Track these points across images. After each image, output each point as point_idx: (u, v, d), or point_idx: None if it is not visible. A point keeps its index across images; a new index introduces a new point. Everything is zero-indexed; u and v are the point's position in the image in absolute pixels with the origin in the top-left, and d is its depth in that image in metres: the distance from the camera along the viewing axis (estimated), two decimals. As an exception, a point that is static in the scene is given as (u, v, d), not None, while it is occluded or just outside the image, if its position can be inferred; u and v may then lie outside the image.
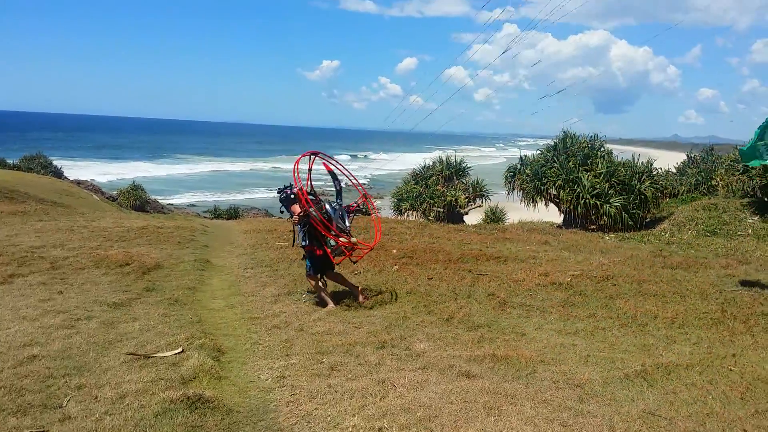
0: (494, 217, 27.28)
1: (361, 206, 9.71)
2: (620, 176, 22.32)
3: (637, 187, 21.79)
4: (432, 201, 26.56)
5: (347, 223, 8.88)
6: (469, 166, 29.89)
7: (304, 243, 8.77)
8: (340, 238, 8.58)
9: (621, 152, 28.53)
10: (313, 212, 8.37)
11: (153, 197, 40.36)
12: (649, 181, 22.35)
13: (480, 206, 28.36)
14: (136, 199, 36.07)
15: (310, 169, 8.98)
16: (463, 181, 28.62)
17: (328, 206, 8.75)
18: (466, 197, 27.46)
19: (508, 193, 26.25)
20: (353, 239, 8.83)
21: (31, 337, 6.78)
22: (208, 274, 11.29)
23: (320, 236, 8.62)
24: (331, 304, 8.90)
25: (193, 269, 11.30)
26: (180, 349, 6.52)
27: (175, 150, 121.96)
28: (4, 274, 9.84)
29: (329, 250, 8.72)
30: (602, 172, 22.52)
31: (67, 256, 11.59)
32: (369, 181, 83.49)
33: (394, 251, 12.97)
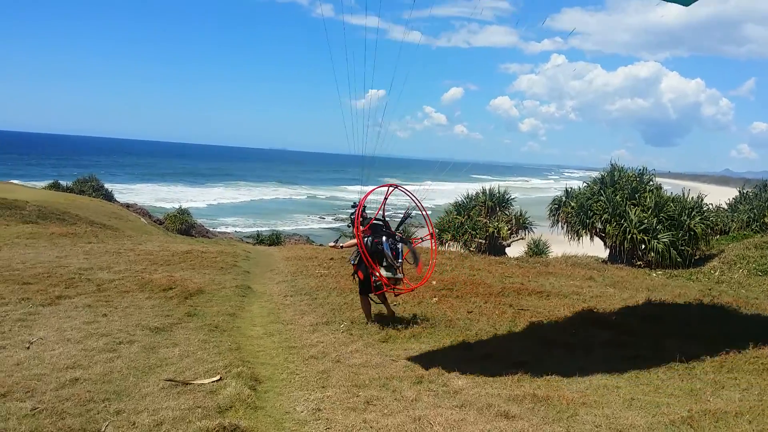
0: (537, 250, 26.86)
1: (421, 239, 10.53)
2: (669, 211, 21.79)
3: (687, 222, 21.22)
4: (474, 232, 26.35)
5: (400, 259, 9.28)
6: (512, 197, 29.63)
7: (353, 262, 9.56)
8: (384, 275, 9.06)
9: (670, 186, 27.91)
10: (366, 243, 9.03)
11: (199, 221, 41.14)
12: (699, 217, 21.75)
13: (523, 238, 27.98)
14: (182, 223, 36.82)
15: (385, 199, 9.45)
16: (506, 212, 28.33)
17: (384, 239, 9.17)
18: (509, 229, 27.15)
19: (552, 226, 25.86)
20: (399, 275, 9.27)
21: (74, 359, 6.91)
22: (248, 300, 11.38)
23: (368, 264, 9.03)
24: (368, 321, 9.61)
25: (234, 295, 11.42)
26: (218, 377, 6.55)
27: (236, 176, 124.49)
28: (52, 296, 10.10)
29: (372, 279, 9.17)
30: (650, 207, 22.04)
31: (113, 279, 11.85)
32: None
33: (434, 282, 12.87)
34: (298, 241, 37.80)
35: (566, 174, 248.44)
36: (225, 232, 44.29)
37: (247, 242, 31.49)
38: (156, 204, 59.69)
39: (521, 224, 27.73)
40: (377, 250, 9.15)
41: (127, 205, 40.70)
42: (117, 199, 43.54)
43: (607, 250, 23.63)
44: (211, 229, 42.51)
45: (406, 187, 9.38)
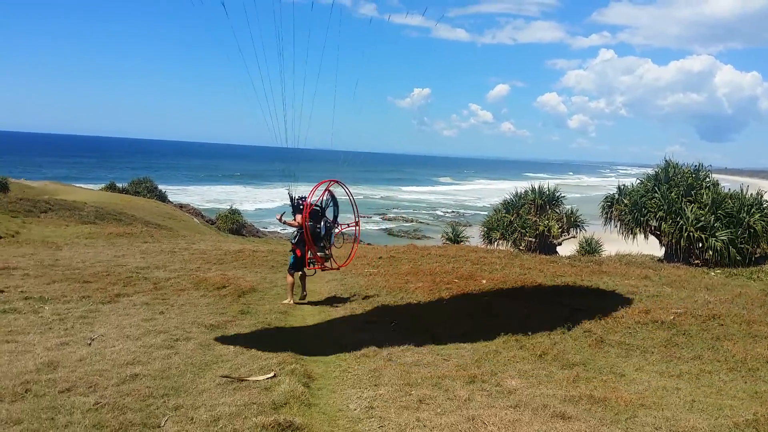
0: (589, 248, 26.29)
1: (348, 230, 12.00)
2: (727, 208, 21.03)
3: (746, 220, 20.44)
4: (523, 231, 25.99)
5: (331, 242, 11.10)
6: (563, 195, 29.08)
7: (293, 241, 11.08)
8: (318, 254, 10.70)
9: (728, 183, 26.98)
10: (308, 226, 10.51)
11: (249, 221, 41.82)
12: (759, 214, 20.90)
13: (574, 237, 27.42)
14: (233, 222, 37.48)
15: (326, 191, 11.08)
16: (557, 210, 27.82)
17: (322, 224, 10.83)
18: (560, 227, 26.65)
19: (605, 224, 25.27)
20: (329, 254, 11.06)
21: (133, 356, 7.11)
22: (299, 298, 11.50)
23: (307, 244, 10.59)
24: (289, 300, 10.94)
25: (285, 293, 11.54)
26: (272, 374, 6.63)
27: (297, 178, 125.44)
28: (111, 294, 10.42)
29: (308, 257, 10.77)
30: (707, 204, 21.31)
31: (168, 278, 12.14)
32: (457, 209, 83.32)
33: (484, 281, 12.75)
34: (346, 240, 37.99)
35: (621, 171, 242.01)
36: (275, 231, 44.92)
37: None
38: (220, 205, 60.82)
39: (572, 222, 27.19)
40: (315, 233, 10.69)
41: (180, 205, 41.67)
42: (171, 200, 44.63)
43: (663, 249, 22.96)
44: (261, 229, 43.14)
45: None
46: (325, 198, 11.09)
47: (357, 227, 11.74)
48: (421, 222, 68.74)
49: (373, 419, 5.70)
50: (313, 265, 10.98)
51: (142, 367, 6.71)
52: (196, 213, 41.00)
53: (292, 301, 10.98)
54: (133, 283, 11.49)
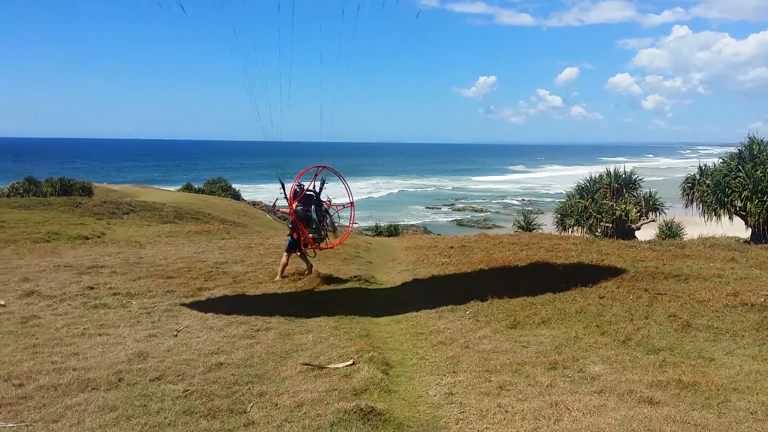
0: (670, 232, 25.32)
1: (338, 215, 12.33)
2: (819, 185, 19.83)
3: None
4: (599, 216, 25.28)
5: (325, 224, 11.74)
6: (640, 177, 28.07)
7: (290, 226, 11.74)
8: (310, 235, 11.33)
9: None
10: (295, 210, 11.28)
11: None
12: None
13: (653, 221, 26.45)
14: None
15: (315, 176, 11.80)
16: (634, 194, 26.89)
17: (313, 207, 11.48)
18: (638, 211, 25.76)
19: (686, 206, 24.26)
20: (323, 236, 11.69)
21: (217, 345, 7.34)
22: (373, 289, 11.58)
23: (298, 227, 11.27)
24: (278, 277, 11.70)
25: (359, 284, 11.66)
26: (351, 362, 6.71)
27: (366, 172, 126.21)
28: (194, 288, 10.78)
29: (302, 239, 11.37)
30: (797, 181, 20.16)
31: (246, 271, 12.47)
32: (528, 196, 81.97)
33: (560, 269, 12.48)
34: (415, 232, 38.08)
35: (702, 151, 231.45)
36: (343, 225, 45.41)
37: (366, 234, 32.08)
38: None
39: (651, 206, 26.23)
40: (307, 217, 11.34)
41: (253, 203, 42.69)
42: (244, 198, 45.79)
43: (749, 230, 21.89)
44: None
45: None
46: (316, 183, 11.79)
47: (351, 208, 12.37)
48: (491, 211, 68.05)
49: (453, 405, 5.68)
50: (308, 246, 11.55)
51: (227, 356, 6.92)
52: (269, 210, 41.90)
53: (279, 278, 11.67)
54: (213, 277, 11.86)
